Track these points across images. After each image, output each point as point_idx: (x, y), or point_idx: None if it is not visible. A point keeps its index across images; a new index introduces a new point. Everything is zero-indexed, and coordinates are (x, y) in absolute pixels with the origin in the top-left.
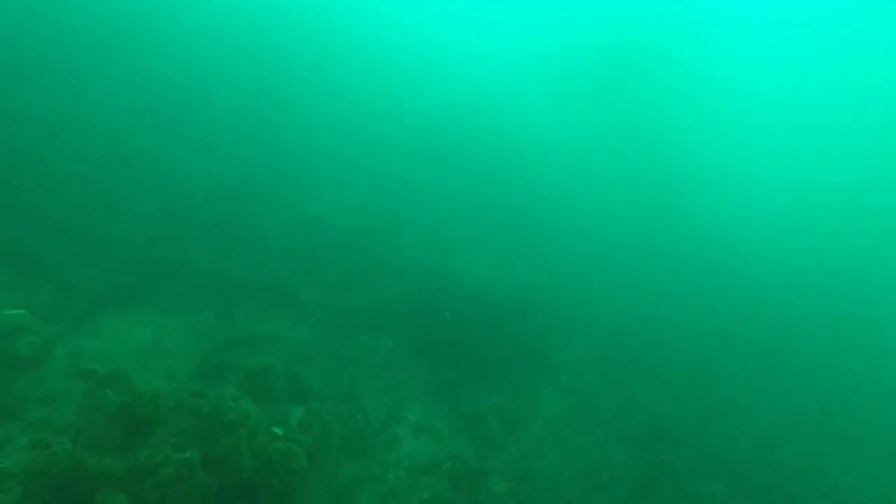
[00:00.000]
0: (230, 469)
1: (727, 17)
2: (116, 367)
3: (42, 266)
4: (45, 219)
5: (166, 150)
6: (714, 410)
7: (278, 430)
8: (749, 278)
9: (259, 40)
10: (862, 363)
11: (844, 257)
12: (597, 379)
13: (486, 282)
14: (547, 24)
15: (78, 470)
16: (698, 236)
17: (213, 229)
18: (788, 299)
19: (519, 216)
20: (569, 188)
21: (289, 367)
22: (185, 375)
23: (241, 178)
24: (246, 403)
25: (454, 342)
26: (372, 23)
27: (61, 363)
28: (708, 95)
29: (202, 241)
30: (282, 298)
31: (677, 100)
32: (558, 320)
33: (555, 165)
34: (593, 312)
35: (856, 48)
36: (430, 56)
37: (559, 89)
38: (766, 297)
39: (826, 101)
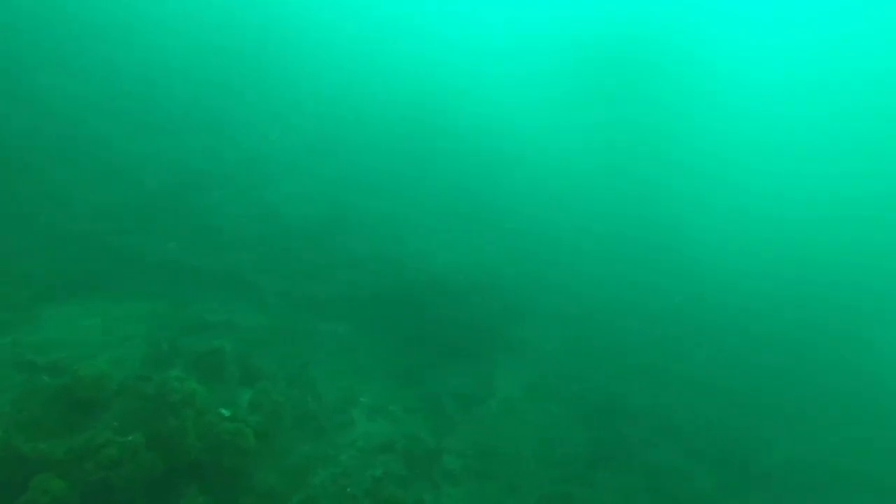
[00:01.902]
0: (176, 450)
1: (720, 8)
2: (60, 356)
3: None
4: None
5: (119, 140)
6: (670, 386)
7: (226, 412)
8: (705, 263)
9: (217, 29)
10: (812, 340)
11: (802, 246)
12: (556, 359)
13: (446, 267)
14: (519, 19)
15: (10, 455)
16: (657, 222)
17: (167, 218)
18: (745, 285)
19: (480, 204)
20: (534, 177)
21: (241, 351)
22: (133, 362)
23: (196, 167)
24: (192, 384)
25: (412, 326)
26: (331, 10)
27: (1, 354)
28: (691, 88)
29: (157, 230)
30: (238, 287)
31: (653, 94)
32: (518, 304)
33: (521, 156)
34: (554, 296)
35: (860, 40)
36: (393, 44)
37: (528, 82)
38: (722, 281)
39: (831, 94)
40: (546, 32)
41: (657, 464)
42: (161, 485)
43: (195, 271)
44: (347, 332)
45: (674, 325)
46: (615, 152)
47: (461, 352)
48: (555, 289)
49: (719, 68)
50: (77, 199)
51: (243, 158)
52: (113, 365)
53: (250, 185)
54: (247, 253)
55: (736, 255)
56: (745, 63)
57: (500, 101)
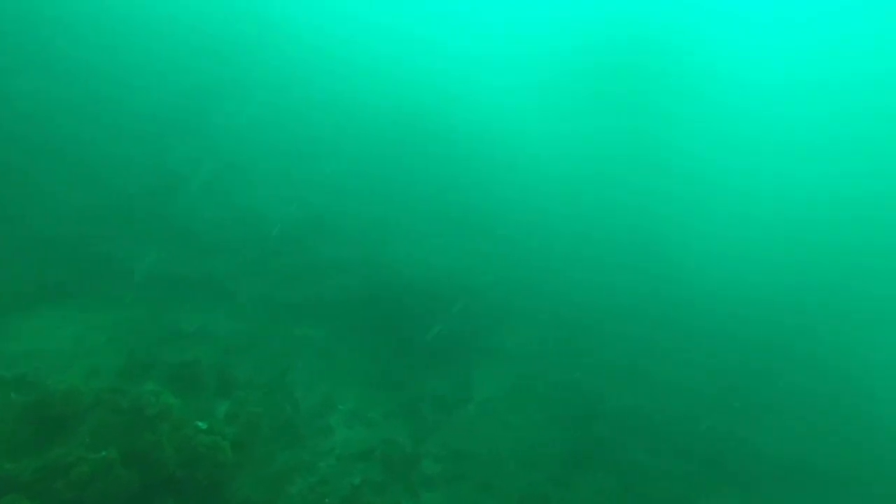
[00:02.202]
0: (152, 465)
1: (718, 9)
2: (29, 369)
3: None
4: None
5: (98, 144)
6: (647, 388)
7: (202, 424)
8: (680, 265)
9: (193, 30)
10: (789, 342)
11: (791, 251)
12: (534, 361)
13: (425, 271)
14: (513, 25)
15: None
16: (642, 228)
17: (145, 224)
18: (711, 287)
19: (459, 208)
20: (513, 182)
21: (218, 360)
22: (108, 374)
23: (175, 172)
24: (168, 398)
25: (391, 331)
26: (318, 13)
27: None
28: (685, 92)
29: (134, 235)
30: (215, 293)
31: (647, 100)
32: (496, 307)
33: (512, 162)
34: (531, 299)
35: (860, 40)
36: (383, 48)
37: (521, 88)
38: (694, 283)
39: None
40: (540, 39)
41: (633, 463)
42: (137, 502)
43: (172, 278)
44: (326, 338)
45: (653, 328)
46: (604, 159)
47: (440, 356)
48: (535, 293)
49: (717, 69)
50: (53, 203)
51: (224, 163)
52: (86, 378)
53: (230, 190)
54: (225, 259)
55: (722, 260)
56: (744, 64)
57: (491, 107)
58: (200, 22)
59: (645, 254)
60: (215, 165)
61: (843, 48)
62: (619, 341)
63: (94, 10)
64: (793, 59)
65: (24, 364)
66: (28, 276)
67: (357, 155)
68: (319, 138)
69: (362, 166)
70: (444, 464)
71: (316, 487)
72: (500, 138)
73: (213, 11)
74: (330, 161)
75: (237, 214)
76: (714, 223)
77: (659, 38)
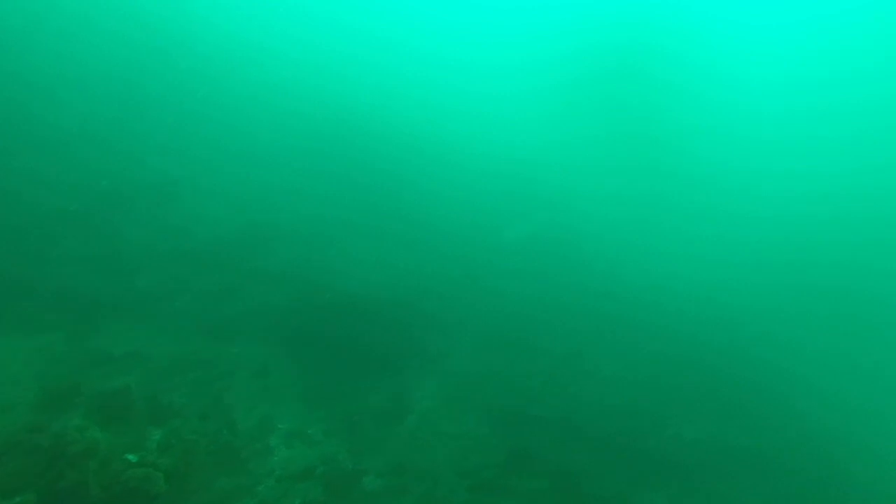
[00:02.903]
0: None
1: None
2: None
3: None
4: None
5: (11, 158)
6: (578, 384)
7: (132, 457)
8: (612, 261)
9: (120, 38)
10: (712, 332)
11: (713, 245)
12: (471, 369)
13: (362, 281)
14: (456, 26)
15: None
16: (573, 233)
17: (64, 243)
18: (643, 280)
19: (396, 214)
20: (453, 182)
21: (149, 386)
22: (23, 409)
23: (96, 187)
24: (94, 432)
25: (329, 345)
26: (250, 18)
27: None
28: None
29: (52, 255)
30: (143, 313)
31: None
32: (432, 316)
33: (438, 161)
34: (468, 307)
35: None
36: (303, 55)
37: (466, 89)
38: (626, 279)
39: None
40: (496, 35)
41: (568, 465)
42: None
43: (96, 299)
44: (262, 356)
45: (583, 330)
46: (535, 164)
47: (378, 368)
48: (472, 300)
49: (701, 68)
50: None
51: (149, 177)
52: (1, 413)
53: (155, 204)
54: (153, 277)
55: (657, 257)
56: (737, 63)
57: (440, 111)
58: (124, 27)
59: (579, 253)
60: (139, 179)
61: (844, 42)
62: (549, 339)
63: (3, 12)
64: (793, 56)
65: None
66: None
67: (291, 164)
68: (252, 147)
69: (296, 175)
70: (386, 478)
71: None
72: (440, 150)
73: (139, 16)
74: (263, 170)
75: (164, 229)
76: (653, 218)
77: (642, 40)
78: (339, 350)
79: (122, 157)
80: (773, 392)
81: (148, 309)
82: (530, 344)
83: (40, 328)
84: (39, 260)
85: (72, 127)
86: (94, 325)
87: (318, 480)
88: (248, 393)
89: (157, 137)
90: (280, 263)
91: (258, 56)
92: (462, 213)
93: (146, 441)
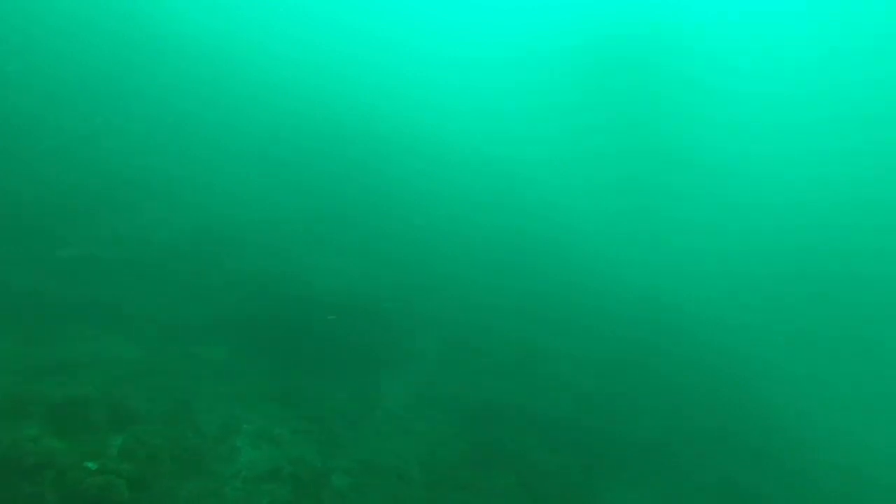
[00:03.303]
0: None
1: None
2: None
3: None
4: None
5: None
6: (537, 384)
7: (92, 465)
8: (568, 265)
9: (65, 33)
10: (660, 336)
11: (657, 245)
12: (438, 367)
13: (326, 282)
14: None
15: None
16: (540, 230)
17: (15, 247)
18: (596, 285)
19: (356, 216)
20: (414, 187)
21: (109, 391)
22: None
23: (46, 192)
24: (51, 441)
25: (295, 347)
26: (199, 10)
27: None
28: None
29: (5, 259)
30: (103, 317)
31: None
32: (398, 315)
33: (412, 167)
34: (434, 306)
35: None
36: (271, 48)
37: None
38: (582, 283)
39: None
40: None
41: (530, 461)
42: None
43: (53, 302)
44: (227, 358)
45: (545, 327)
46: (502, 160)
47: (343, 367)
48: (437, 299)
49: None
50: None
51: (100, 181)
52: None
53: (119, 204)
54: (111, 279)
55: (609, 262)
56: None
57: (412, 106)
58: (70, 21)
59: (536, 256)
60: (96, 185)
61: (843, 33)
62: (510, 340)
63: None
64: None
65: None
66: None
67: (256, 160)
68: (215, 143)
69: (260, 179)
70: (354, 476)
71: None
72: (402, 142)
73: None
74: (227, 168)
75: (126, 230)
76: (606, 226)
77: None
78: (306, 352)
79: (79, 163)
80: (727, 375)
81: (108, 314)
82: (495, 342)
83: None
84: None
85: (20, 129)
86: (50, 331)
87: (285, 480)
88: (213, 395)
89: (115, 141)
90: (244, 266)
91: (223, 54)
92: (430, 213)
93: (107, 448)
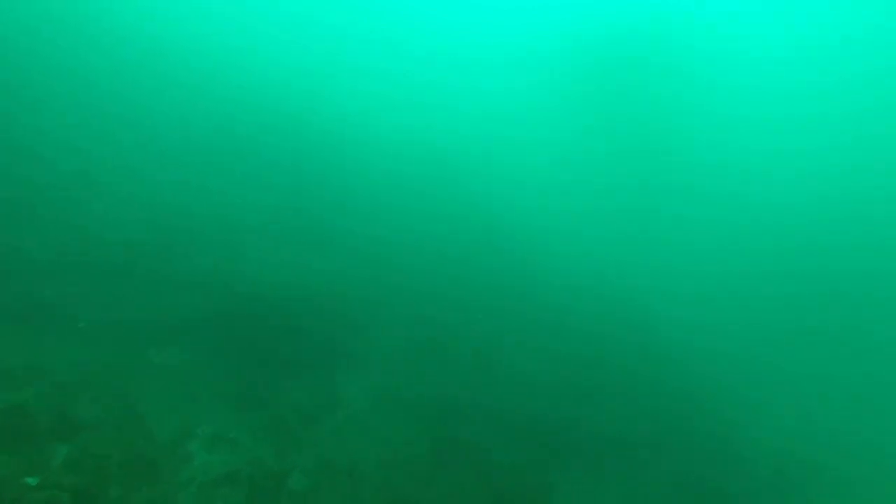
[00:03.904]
0: None
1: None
2: None
3: None
4: None
5: None
6: (498, 380)
7: (32, 480)
8: (529, 261)
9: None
10: (621, 331)
11: (614, 243)
12: (397, 364)
13: (282, 279)
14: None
15: None
16: (498, 228)
17: None
18: (558, 281)
19: (315, 211)
20: (374, 181)
21: (52, 400)
22: None
23: None
24: None
25: (249, 348)
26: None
27: None
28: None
29: None
30: (45, 321)
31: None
32: (358, 313)
33: (367, 161)
34: (394, 302)
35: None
36: (212, 43)
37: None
38: (546, 280)
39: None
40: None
41: (489, 456)
42: None
43: None
44: (178, 360)
45: (504, 325)
46: (450, 155)
47: (303, 367)
48: (397, 295)
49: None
50: None
51: (49, 176)
52: None
53: (64, 202)
54: (55, 279)
55: (566, 257)
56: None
57: (347, 103)
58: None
59: (501, 252)
60: (46, 174)
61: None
62: (471, 337)
63: None
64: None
65: None
66: None
67: (209, 154)
68: (166, 137)
69: (215, 167)
70: (312, 477)
71: None
72: (358, 137)
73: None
74: (178, 162)
75: (71, 231)
76: (572, 224)
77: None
78: (260, 352)
79: (23, 156)
80: (688, 370)
81: (50, 315)
82: (456, 338)
83: None
84: None
85: None
86: None
87: (242, 483)
88: (165, 400)
89: (63, 133)
90: (198, 265)
91: (176, 46)
92: (392, 209)
93: (50, 460)
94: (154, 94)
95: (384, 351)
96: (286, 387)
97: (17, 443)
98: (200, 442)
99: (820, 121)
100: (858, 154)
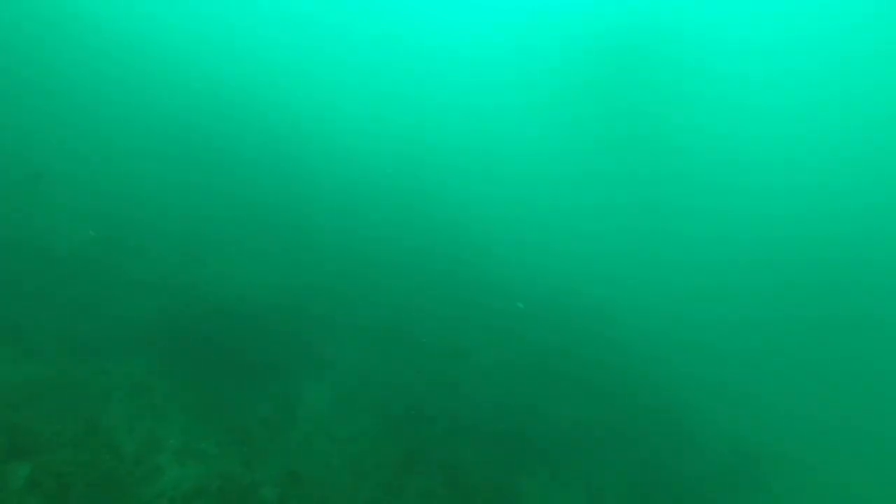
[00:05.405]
0: None
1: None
2: None
3: None
4: None
5: None
6: (462, 381)
7: None
8: (491, 258)
9: None
10: (584, 321)
11: (585, 241)
12: (361, 371)
13: (245, 287)
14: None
15: None
16: (461, 239)
17: None
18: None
19: (279, 218)
20: (338, 187)
21: (6, 417)
22: None
23: None
24: None
25: (213, 354)
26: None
27: None
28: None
29: None
30: None
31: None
32: (323, 319)
33: (328, 165)
34: (354, 308)
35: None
36: (183, 47)
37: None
38: (513, 277)
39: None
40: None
41: (454, 460)
42: None
43: None
44: (141, 372)
45: (467, 326)
46: (413, 158)
47: (267, 375)
48: (357, 301)
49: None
50: None
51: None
52: None
53: (10, 203)
54: (5, 292)
55: (523, 252)
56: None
57: (315, 107)
58: None
59: (465, 261)
60: None
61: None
62: (433, 338)
63: None
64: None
65: None
66: None
67: (160, 160)
68: (115, 142)
69: (169, 170)
70: (282, 487)
71: None
72: (315, 136)
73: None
74: (129, 169)
75: (16, 237)
76: (515, 221)
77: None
78: (225, 359)
79: None
80: (638, 376)
81: (1, 328)
82: (418, 343)
83: None
84: None
85: None
86: None
87: (213, 496)
88: (129, 412)
89: (3, 135)
90: (154, 275)
91: (124, 46)
92: (350, 215)
93: (9, 482)
94: (100, 97)
95: (350, 357)
96: (251, 397)
97: None
98: (169, 455)
99: (813, 109)
100: (832, 152)
